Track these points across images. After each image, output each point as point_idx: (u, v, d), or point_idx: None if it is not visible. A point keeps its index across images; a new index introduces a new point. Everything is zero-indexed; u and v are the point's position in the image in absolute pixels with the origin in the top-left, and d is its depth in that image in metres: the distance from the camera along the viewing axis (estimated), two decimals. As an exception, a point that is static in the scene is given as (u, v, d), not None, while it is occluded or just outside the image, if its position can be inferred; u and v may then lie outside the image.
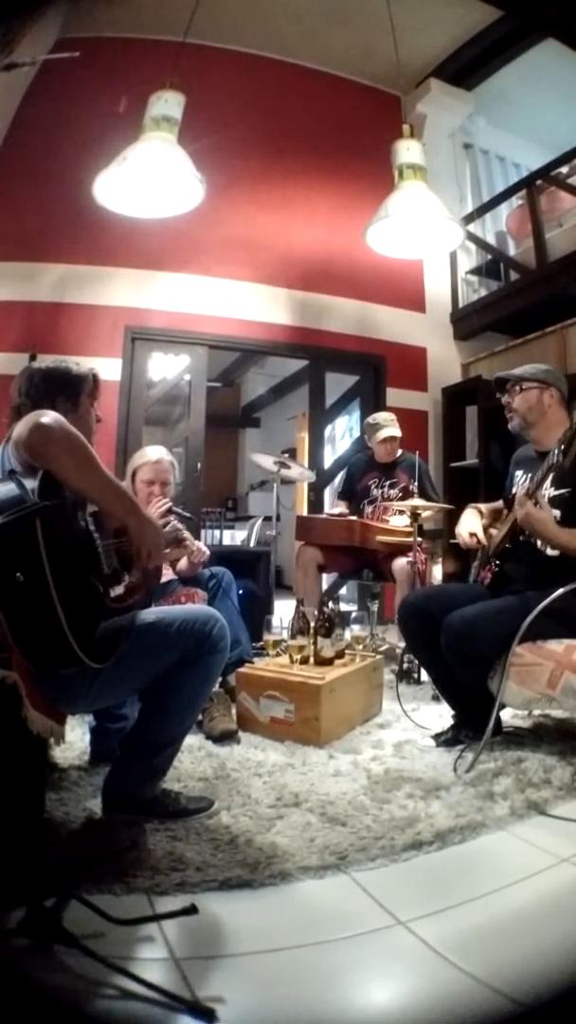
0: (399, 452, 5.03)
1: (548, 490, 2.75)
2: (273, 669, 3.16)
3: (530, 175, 6.51)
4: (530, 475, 2.88)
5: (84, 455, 1.77)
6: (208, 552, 3.44)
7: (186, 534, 3.14)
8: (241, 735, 2.99)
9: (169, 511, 3.29)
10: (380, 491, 4.97)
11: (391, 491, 4.93)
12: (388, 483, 4.97)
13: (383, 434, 4.95)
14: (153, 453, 3.48)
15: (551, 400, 2.88)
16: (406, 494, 4.69)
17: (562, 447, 2.53)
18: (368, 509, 4.98)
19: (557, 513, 2.70)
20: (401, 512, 4.61)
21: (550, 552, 2.73)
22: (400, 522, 4.61)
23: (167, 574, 3.44)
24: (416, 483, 4.59)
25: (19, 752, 1.66)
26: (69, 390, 2.14)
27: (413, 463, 4.72)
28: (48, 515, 1.56)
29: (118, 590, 1.99)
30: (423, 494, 4.60)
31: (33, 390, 2.10)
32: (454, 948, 1.48)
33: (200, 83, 4.55)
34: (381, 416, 5.06)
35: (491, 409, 5.03)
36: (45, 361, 2.22)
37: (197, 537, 3.57)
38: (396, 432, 4.95)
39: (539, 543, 2.78)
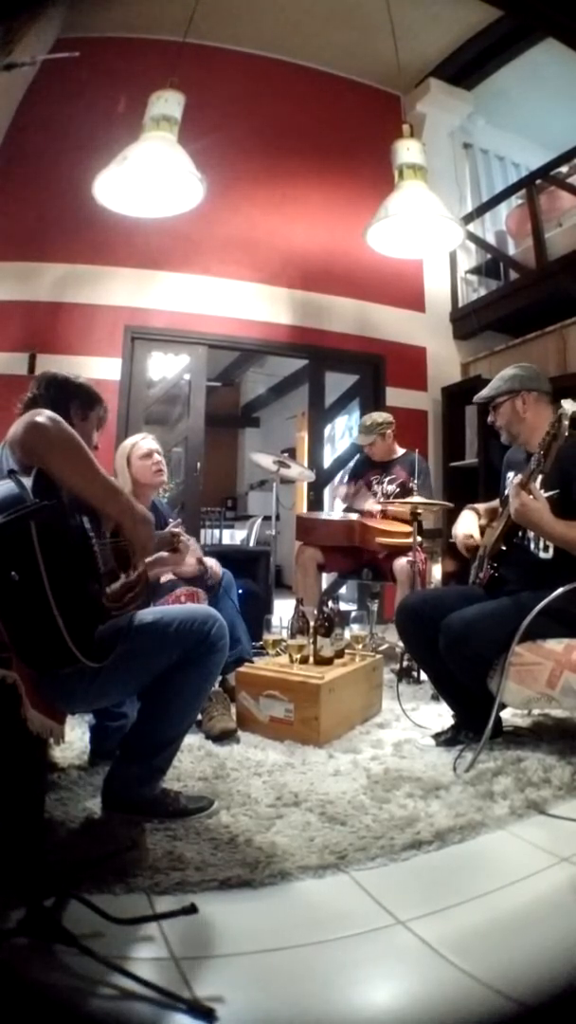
0: (400, 451, 5.04)
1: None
2: (273, 668, 3.16)
3: (530, 174, 6.52)
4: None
5: (79, 454, 1.77)
6: (221, 573, 3.50)
7: (183, 540, 3.11)
8: (241, 734, 2.99)
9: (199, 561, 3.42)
10: (380, 487, 4.99)
11: (389, 487, 4.95)
12: (387, 479, 4.98)
13: (358, 439, 5.05)
14: (134, 437, 3.54)
15: (523, 405, 2.86)
16: (404, 490, 4.71)
17: (541, 452, 2.52)
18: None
19: None
20: (384, 514, 4.64)
21: (543, 555, 2.73)
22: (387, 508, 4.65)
23: (166, 574, 3.44)
24: (415, 480, 4.59)
25: (19, 752, 1.66)
26: (84, 400, 2.22)
27: (412, 460, 4.73)
28: (45, 516, 1.56)
29: (115, 588, 1.99)
30: (408, 491, 4.63)
31: (53, 390, 2.16)
32: (454, 947, 1.48)
33: (200, 83, 4.56)
34: (365, 417, 5.11)
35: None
36: (65, 373, 2.29)
37: (197, 531, 3.59)
38: (367, 440, 4.98)
39: (532, 545, 2.78)
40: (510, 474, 3.02)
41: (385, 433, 4.97)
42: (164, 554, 3.03)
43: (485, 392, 2.99)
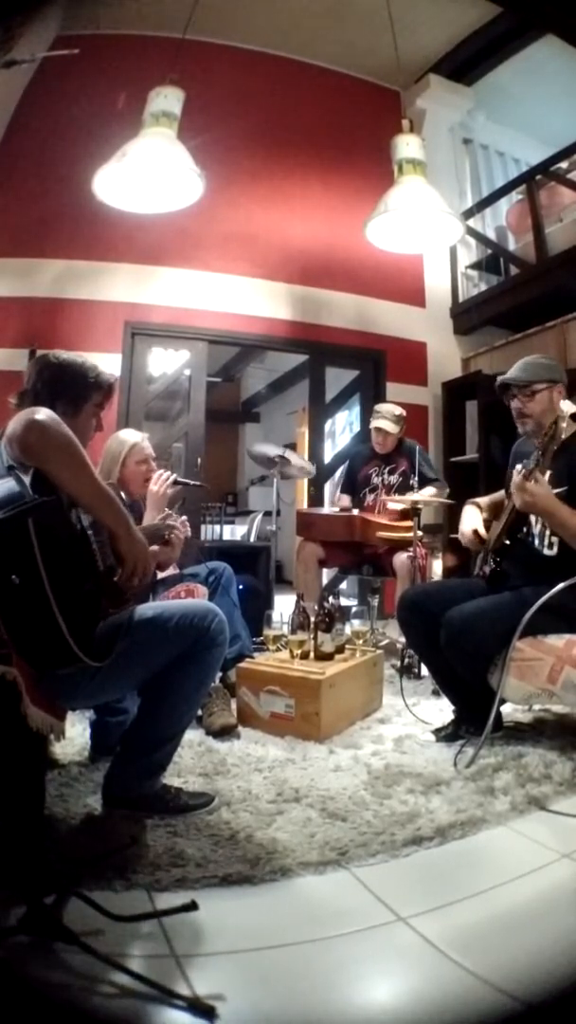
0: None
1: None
2: (273, 664, 3.16)
3: (530, 170, 6.50)
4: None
5: (77, 458, 1.74)
6: (189, 530, 3.35)
7: (176, 531, 3.07)
8: (241, 730, 2.99)
9: (176, 482, 3.28)
10: (380, 479, 4.98)
11: (390, 477, 4.94)
12: (387, 469, 4.97)
13: (373, 423, 4.98)
14: (132, 436, 3.36)
15: (559, 396, 2.82)
16: (405, 479, 4.71)
17: (540, 452, 2.51)
18: (369, 497, 4.99)
19: None
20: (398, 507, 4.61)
21: (547, 552, 2.71)
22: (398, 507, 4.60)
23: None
24: (415, 473, 4.56)
25: (19, 748, 1.66)
26: (74, 394, 2.10)
27: (412, 449, 4.73)
28: (43, 513, 1.55)
29: (114, 583, 1.97)
30: (423, 478, 4.60)
31: (40, 383, 2.07)
32: (455, 944, 1.48)
33: (200, 79, 4.54)
34: (384, 406, 5.05)
35: (491, 404, 5.02)
36: (65, 355, 2.16)
37: (197, 527, 3.51)
38: (386, 427, 4.91)
39: (536, 542, 2.76)
40: (518, 466, 3.00)
41: (402, 427, 4.98)
42: (156, 548, 3.00)
43: (522, 375, 2.85)
